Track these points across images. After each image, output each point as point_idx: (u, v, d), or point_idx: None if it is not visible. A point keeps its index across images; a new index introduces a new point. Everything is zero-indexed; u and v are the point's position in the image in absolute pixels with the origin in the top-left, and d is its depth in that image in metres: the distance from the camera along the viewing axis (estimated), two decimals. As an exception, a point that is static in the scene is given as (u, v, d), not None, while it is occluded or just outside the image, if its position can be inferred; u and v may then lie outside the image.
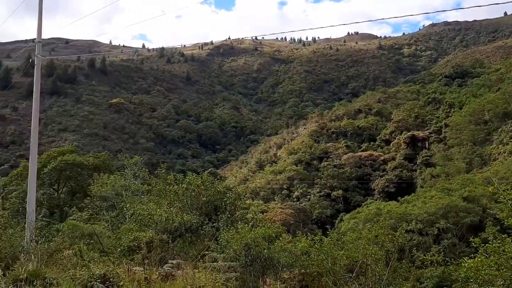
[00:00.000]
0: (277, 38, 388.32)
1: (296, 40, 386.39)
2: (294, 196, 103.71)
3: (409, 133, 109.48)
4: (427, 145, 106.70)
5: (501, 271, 8.97)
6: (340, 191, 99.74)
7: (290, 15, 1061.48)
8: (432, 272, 36.84)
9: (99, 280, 8.57)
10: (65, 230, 21.81)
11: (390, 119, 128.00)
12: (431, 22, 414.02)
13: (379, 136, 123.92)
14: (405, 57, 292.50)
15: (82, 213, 34.81)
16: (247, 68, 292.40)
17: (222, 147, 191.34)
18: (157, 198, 21.50)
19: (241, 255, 13.00)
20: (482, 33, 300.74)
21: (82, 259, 11.72)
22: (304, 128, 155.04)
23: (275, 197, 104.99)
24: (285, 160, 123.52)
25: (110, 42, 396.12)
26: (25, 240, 12.05)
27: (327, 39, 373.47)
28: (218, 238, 15.34)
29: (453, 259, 16.36)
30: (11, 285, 8.34)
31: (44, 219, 36.31)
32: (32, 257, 10.04)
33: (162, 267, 12.22)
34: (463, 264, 9.74)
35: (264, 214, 71.84)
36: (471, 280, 9.53)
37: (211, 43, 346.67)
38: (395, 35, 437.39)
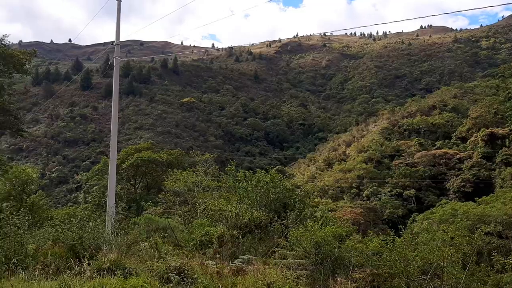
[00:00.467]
0: (346, 34, 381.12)
1: (366, 35, 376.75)
2: (364, 195, 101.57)
3: (487, 130, 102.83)
4: (507, 142, 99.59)
5: None
6: (413, 191, 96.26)
7: (359, 9, 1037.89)
8: (512, 277, 34.44)
9: (175, 272, 8.91)
10: (142, 223, 22.89)
11: (466, 115, 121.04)
12: (511, 13, 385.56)
13: (454, 134, 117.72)
14: (483, 50, 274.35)
15: (156, 207, 36.39)
16: (315, 64, 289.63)
17: (289, 145, 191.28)
18: (227, 194, 21.94)
19: (311, 253, 12.92)
20: None
21: (158, 252, 12.25)
22: (375, 126, 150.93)
23: (344, 196, 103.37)
24: (354, 158, 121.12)
25: (182, 43, 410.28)
26: (106, 232, 12.78)
27: (399, 33, 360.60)
28: (287, 236, 15.36)
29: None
30: (95, 273, 8.89)
31: (122, 212, 38.29)
32: (113, 248, 10.64)
33: (233, 261, 12.46)
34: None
35: (333, 213, 70.94)
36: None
37: (279, 40, 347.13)
38: (472, 27, 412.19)
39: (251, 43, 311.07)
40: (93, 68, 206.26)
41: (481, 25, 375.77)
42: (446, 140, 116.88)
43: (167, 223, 20.13)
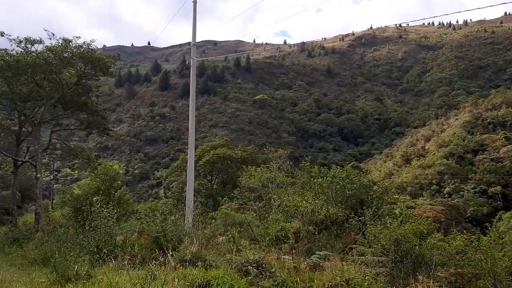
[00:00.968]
0: (423, 24, 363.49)
1: (445, 24, 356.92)
2: (444, 192, 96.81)
3: None
4: None
5: None
6: (499, 188, 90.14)
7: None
8: None
9: (254, 265, 9.10)
10: (219, 218, 23.57)
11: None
12: None
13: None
14: None
15: (232, 203, 37.23)
16: (390, 57, 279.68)
17: (364, 140, 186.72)
18: (301, 191, 21.91)
19: (390, 250, 12.56)
20: None
21: (236, 245, 12.55)
22: (456, 119, 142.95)
23: (424, 193, 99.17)
24: (434, 154, 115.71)
25: (254, 41, 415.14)
26: (187, 225, 13.32)
27: (481, 21, 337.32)
28: (364, 233, 15.06)
29: None
30: (178, 264, 9.33)
31: (200, 207, 39.64)
32: (194, 240, 11.08)
33: (309, 257, 12.45)
34: None
35: (411, 210, 68.39)
36: None
37: (352, 34, 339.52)
38: None
39: (323, 37, 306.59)
40: (171, 69, 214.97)
41: None
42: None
43: (244, 218, 20.55)
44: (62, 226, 23.36)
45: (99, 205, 12.64)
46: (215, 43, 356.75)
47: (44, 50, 24.82)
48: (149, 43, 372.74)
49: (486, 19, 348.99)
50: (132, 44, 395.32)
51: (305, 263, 11.09)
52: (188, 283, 7.72)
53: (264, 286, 8.20)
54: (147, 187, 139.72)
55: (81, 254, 10.63)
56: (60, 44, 25.05)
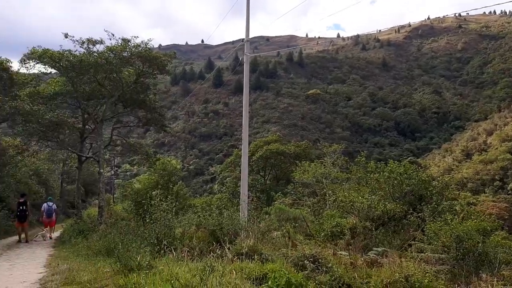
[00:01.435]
0: (484, 13, 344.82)
1: (507, 13, 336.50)
2: (508, 188, 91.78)
3: None
4: None
5: None
6: None
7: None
8: None
9: (310, 260, 9.07)
10: (273, 213, 23.68)
11: None
12: None
13: None
14: None
15: (285, 198, 37.27)
16: (449, 48, 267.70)
17: (422, 135, 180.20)
18: (357, 186, 21.55)
19: (451, 247, 12.10)
20: None
21: (291, 240, 12.56)
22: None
23: (486, 189, 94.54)
24: (497, 148, 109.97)
25: (306, 35, 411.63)
26: (242, 219, 13.47)
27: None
28: (424, 229, 14.59)
29: None
30: (235, 257, 9.47)
31: (254, 202, 40.00)
32: (250, 234, 11.20)
33: (366, 253, 12.24)
34: None
35: (473, 207, 65.43)
36: None
37: (409, 25, 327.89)
38: None
39: (378, 29, 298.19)
40: (224, 66, 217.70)
41: None
42: None
43: (298, 213, 20.52)
44: (124, 219, 24.38)
45: (158, 198, 13.06)
46: (267, 38, 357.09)
47: (105, 50, 25.89)
48: (202, 41, 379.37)
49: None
50: (186, 42, 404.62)
51: (362, 259, 10.91)
52: (245, 276, 7.83)
53: (321, 281, 8.15)
54: (202, 182, 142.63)
55: (142, 245, 11.04)
56: (119, 44, 26.04)
